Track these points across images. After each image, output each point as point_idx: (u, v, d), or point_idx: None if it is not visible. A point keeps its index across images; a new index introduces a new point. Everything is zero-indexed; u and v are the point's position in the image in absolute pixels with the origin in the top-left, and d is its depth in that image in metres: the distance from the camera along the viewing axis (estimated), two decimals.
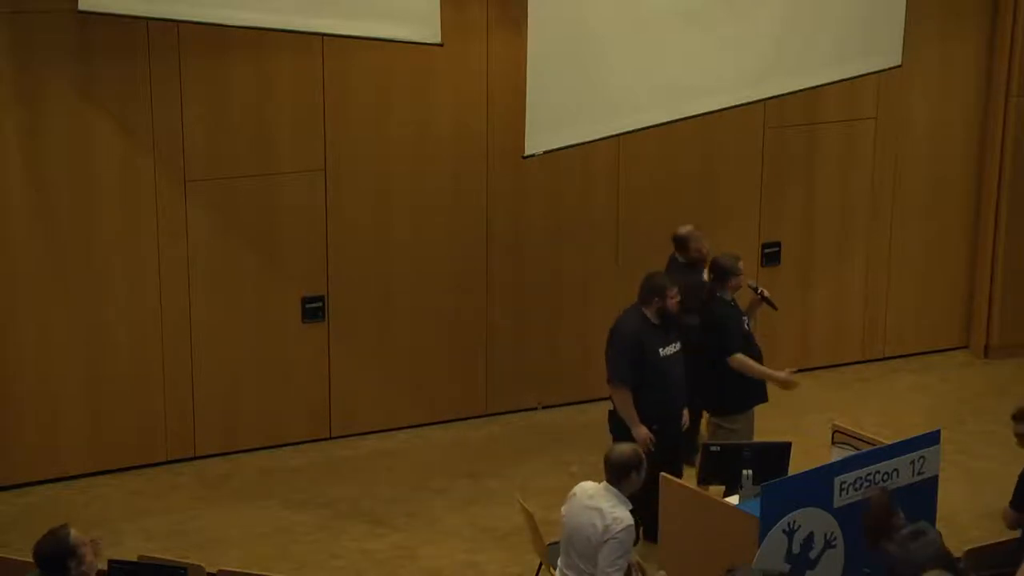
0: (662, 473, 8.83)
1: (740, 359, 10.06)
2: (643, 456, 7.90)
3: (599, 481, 7.87)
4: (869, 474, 8.61)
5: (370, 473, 11.16)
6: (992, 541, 8.48)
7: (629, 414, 9.61)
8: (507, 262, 11.86)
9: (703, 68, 10.50)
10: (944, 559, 7.10)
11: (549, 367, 12.15)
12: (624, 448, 7.98)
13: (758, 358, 10.20)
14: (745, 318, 10.28)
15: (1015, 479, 8.63)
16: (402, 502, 10.68)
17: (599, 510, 7.68)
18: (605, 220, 12.09)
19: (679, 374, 9.81)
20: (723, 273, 10.20)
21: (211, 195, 10.98)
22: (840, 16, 11.10)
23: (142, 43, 10.54)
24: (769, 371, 10.20)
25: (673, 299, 9.70)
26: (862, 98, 12.68)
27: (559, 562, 7.98)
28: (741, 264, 10.31)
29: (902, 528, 7.35)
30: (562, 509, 7.94)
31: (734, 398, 10.13)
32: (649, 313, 9.70)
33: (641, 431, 9.55)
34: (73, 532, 6.58)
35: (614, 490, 7.75)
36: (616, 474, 7.77)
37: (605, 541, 7.61)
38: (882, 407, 12.00)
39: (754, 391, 10.20)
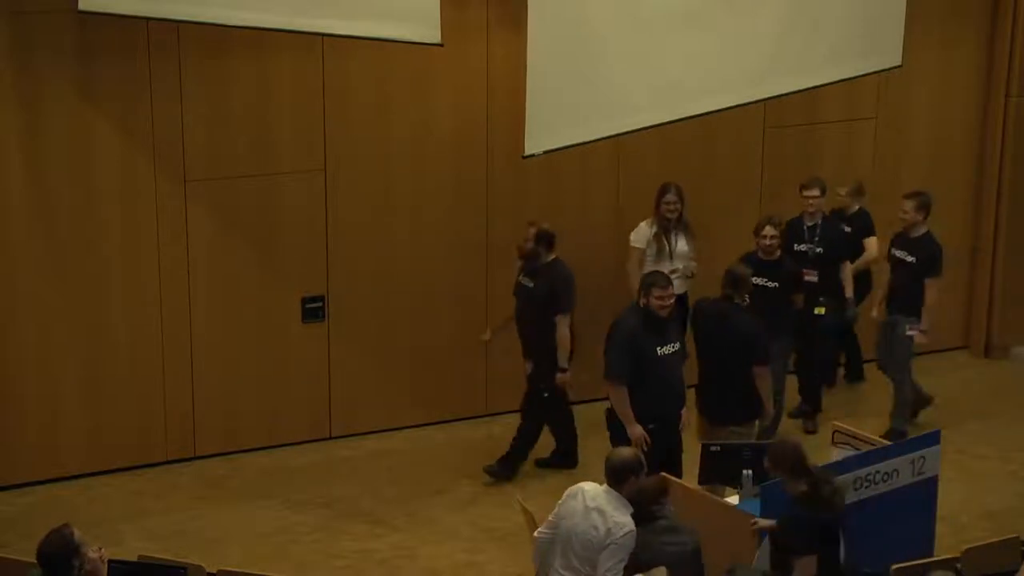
0: (663, 473, 8.82)
1: None
2: (643, 460, 7.88)
3: (600, 482, 7.87)
4: (869, 474, 8.62)
5: (370, 473, 11.16)
6: (992, 541, 8.47)
7: (624, 411, 9.56)
8: (507, 262, 11.84)
9: (703, 68, 10.49)
10: None
11: None
12: (624, 452, 7.98)
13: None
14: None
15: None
16: (402, 502, 10.67)
17: (601, 513, 7.65)
18: (605, 220, 12.09)
19: (677, 375, 9.73)
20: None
21: (211, 195, 10.98)
22: (840, 16, 11.10)
23: (142, 43, 10.54)
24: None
25: (657, 299, 9.54)
26: (862, 98, 12.68)
27: (556, 563, 7.92)
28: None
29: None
30: (558, 506, 7.90)
31: None
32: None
33: (636, 429, 9.51)
34: (77, 532, 6.58)
35: (615, 493, 7.73)
36: (616, 477, 7.75)
37: (607, 545, 7.60)
38: (882, 407, 11.97)
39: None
